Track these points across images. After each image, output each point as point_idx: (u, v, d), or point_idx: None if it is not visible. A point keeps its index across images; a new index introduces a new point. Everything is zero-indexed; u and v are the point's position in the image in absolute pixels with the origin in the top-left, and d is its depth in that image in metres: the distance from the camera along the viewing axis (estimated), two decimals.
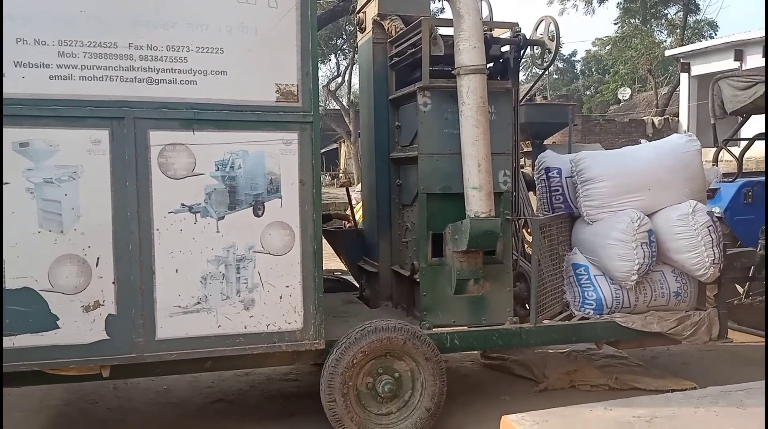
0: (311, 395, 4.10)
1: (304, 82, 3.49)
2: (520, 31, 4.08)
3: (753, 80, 5.50)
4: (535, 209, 4.97)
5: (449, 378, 3.93)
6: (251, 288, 3.52)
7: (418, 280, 4.11)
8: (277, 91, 3.48)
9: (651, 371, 4.91)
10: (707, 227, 4.16)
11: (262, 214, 3.50)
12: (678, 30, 25.80)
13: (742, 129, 6.10)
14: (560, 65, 41.41)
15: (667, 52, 22.87)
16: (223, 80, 3.41)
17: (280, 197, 3.52)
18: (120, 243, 3.33)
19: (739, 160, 5.97)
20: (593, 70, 39.70)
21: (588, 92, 37.15)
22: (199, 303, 3.47)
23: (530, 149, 7.03)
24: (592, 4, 26.09)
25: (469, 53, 3.65)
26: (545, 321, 4.26)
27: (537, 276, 4.14)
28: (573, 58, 42.45)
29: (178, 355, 3.48)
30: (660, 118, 20.78)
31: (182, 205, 3.41)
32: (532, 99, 19.25)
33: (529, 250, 4.61)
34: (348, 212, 5.63)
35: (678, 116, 20.33)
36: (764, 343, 5.07)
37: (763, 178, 6.01)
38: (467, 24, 3.63)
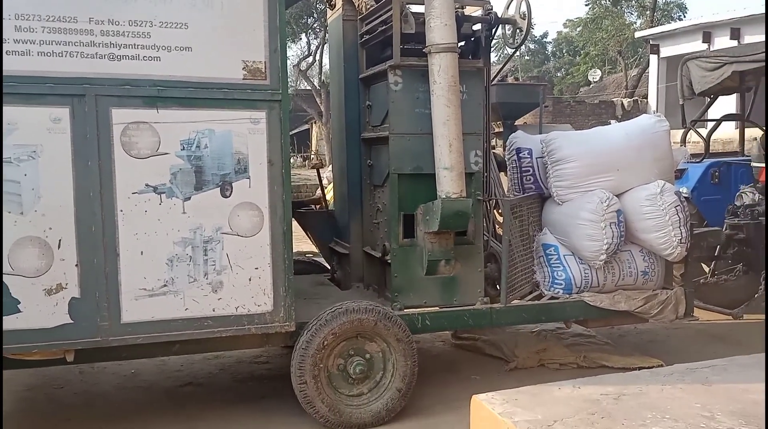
0: (282, 377, 4.07)
1: (272, 59, 3.41)
2: (491, 10, 4.04)
3: (721, 61, 5.55)
4: (506, 190, 4.98)
5: (421, 358, 3.93)
6: (219, 270, 3.46)
7: (389, 261, 4.09)
8: (244, 68, 3.39)
9: (618, 349, 4.99)
10: (675, 207, 4.20)
11: (230, 194, 3.43)
12: (648, 12, 26.00)
13: (709, 110, 6.16)
14: (531, 46, 41.50)
15: (637, 34, 23.06)
16: (188, 56, 3.31)
17: (249, 178, 3.45)
18: (82, 224, 3.24)
19: (707, 140, 6.05)
20: (564, 51, 39.91)
21: (559, 74, 37.34)
22: (165, 286, 3.40)
23: (501, 130, 7.03)
24: None
25: (440, 31, 3.60)
26: (515, 301, 4.28)
27: (508, 256, 4.14)
28: (544, 40, 42.62)
29: (144, 338, 3.41)
30: (629, 99, 21.00)
31: (147, 185, 3.33)
32: (504, 80, 19.31)
33: (500, 231, 4.62)
34: (319, 194, 5.57)
35: (647, 98, 20.56)
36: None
37: (730, 158, 6.10)
38: (438, 1, 3.58)
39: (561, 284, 4.35)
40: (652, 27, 22.57)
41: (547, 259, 4.43)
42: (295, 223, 4.86)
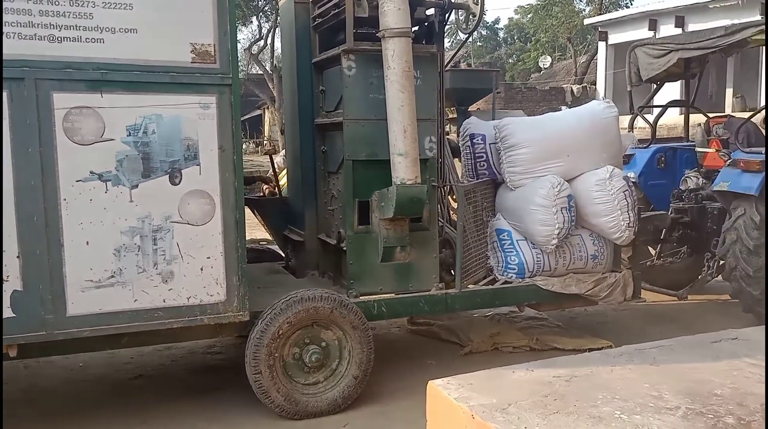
0: (236, 367, 4.00)
1: (222, 42, 3.31)
2: None
3: (667, 48, 5.68)
4: (460, 176, 5.00)
5: (377, 345, 3.93)
6: (169, 260, 3.37)
7: (344, 248, 4.06)
8: (192, 51, 3.28)
9: (569, 331, 5.11)
10: (623, 192, 4.30)
11: (180, 182, 3.33)
12: None
13: (656, 96, 6.31)
14: (484, 33, 41.75)
15: (586, 21, 23.47)
16: (133, 39, 3.19)
17: (199, 164, 3.36)
18: (24, 214, 3.10)
19: (653, 126, 6.20)
20: (516, 38, 40.31)
21: (511, 60, 37.73)
22: (113, 277, 3.29)
23: (455, 116, 7.05)
24: None
25: (393, 15, 3.57)
26: (470, 286, 4.32)
27: (462, 242, 4.17)
28: (496, 26, 42.92)
29: (91, 331, 3.30)
30: (579, 86, 21.39)
31: (91, 173, 3.20)
32: (457, 65, 19.41)
33: (454, 217, 4.65)
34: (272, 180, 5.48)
35: (596, 84, 20.99)
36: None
37: (675, 143, 6.27)
38: None
39: (514, 269, 4.41)
40: (600, 14, 22.99)
41: (501, 244, 4.48)
42: (248, 211, 4.79)
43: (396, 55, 3.60)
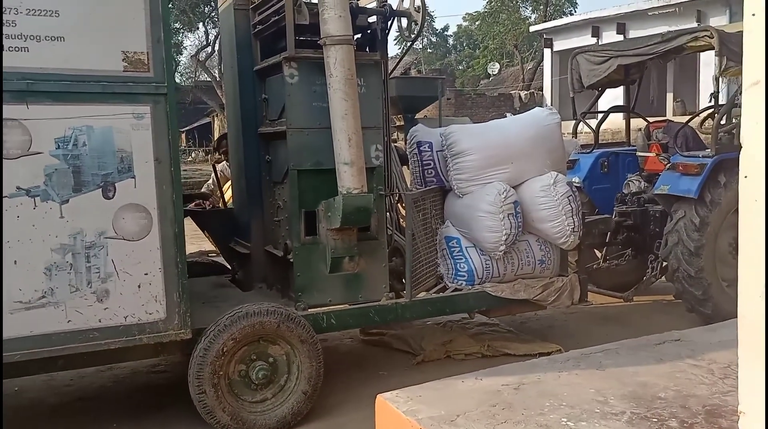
0: (182, 386, 3.85)
1: (156, 49, 3.19)
2: (386, 2, 3.99)
3: (607, 55, 5.80)
4: (408, 184, 4.97)
5: (328, 356, 3.86)
6: (104, 277, 3.22)
7: (291, 260, 3.97)
8: (124, 59, 3.15)
9: (520, 336, 5.13)
10: (567, 197, 4.34)
11: (113, 195, 3.19)
12: (542, 6, 27.04)
13: (598, 102, 6.44)
14: (433, 39, 42.21)
15: (532, 28, 23.96)
16: (60, 47, 3.04)
17: (134, 177, 3.23)
18: None
19: (596, 132, 6.32)
20: (465, 44, 40.86)
21: (460, 67, 38.21)
22: (44, 297, 3.12)
23: (402, 123, 7.03)
24: None
25: (334, 23, 3.51)
26: (421, 294, 4.29)
27: (411, 250, 4.14)
28: (445, 33, 43.43)
29: (22, 355, 3.12)
30: (526, 92, 21.79)
31: (18, 188, 3.04)
32: (408, 72, 19.53)
33: (404, 225, 4.61)
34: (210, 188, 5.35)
35: (543, 90, 21.41)
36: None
37: (617, 148, 6.41)
38: None
39: (464, 276, 4.40)
40: (545, 21, 23.50)
41: (450, 251, 4.47)
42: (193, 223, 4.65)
43: (338, 62, 3.54)
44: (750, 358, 1.85)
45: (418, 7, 4.03)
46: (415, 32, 4.08)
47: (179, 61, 29.27)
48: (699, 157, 5.14)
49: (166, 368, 4.73)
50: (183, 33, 24.62)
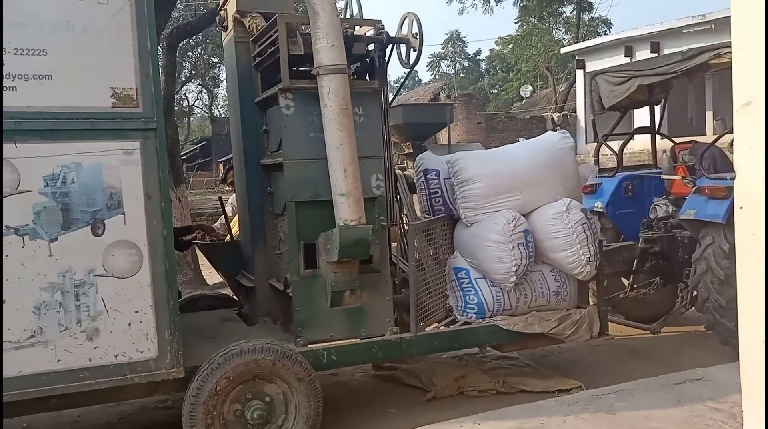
0: None
1: (144, 85, 3.17)
2: (383, 29, 3.91)
3: (627, 75, 5.59)
4: (418, 212, 4.84)
5: (337, 392, 3.71)
6: (94, 316, 3.16)
7: (290, 294, 3.86)
8: (113, 95, 3.13)
9: (539, 371, 4.88)
10: (582, 225, 4.13)
11: (103, 232, 3.15)
12: (574, 28, 26.80)
13: (620, 124, 6.21)
14: (465, 64, 42.23)
15: (563, 50, 23.72)
16: (48, 85, 3.04)
17: (123, 213, 3.18)
18: None
19: (619, 154, 6.08)
20: (497, 68, 40.73)
21: (494, 90, 38.06)
22: (33, 336, 3.08)
23: (411, 151, 6.91)
24: (489, 3, 26.69)
25: (327, 52, 3.44)
26: (427, 329, 4.11)
27: (415, 283, 3.99)
28: (478, 57, 43.39)
29: (12, 396, 3.08)
30: (559, 114, 21.48)
31: (7, 227, 3.02)
32: (437, 98, 19.46)
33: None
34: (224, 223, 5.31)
35: (576, 112, 21.08)
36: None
37: (642, 171, 6.15)
38: (323, 21, 3.42)
39: (474, 308, 4.22)
40: (578, 43, 23.24)
41: (459, 282, 4.30)
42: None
43: (332, 92, 3.46)
44: (753, 407, 1.65)
45: (416, 33, 3.94)
46: (413, 59, 3.98)
47: (216, 94, 29.90)
48: (727, 179, 4.86)
49: (173, 404, 4.64)
50: (219, 67, 25.11)
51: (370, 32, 3.95)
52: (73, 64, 3.07)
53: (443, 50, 42.37)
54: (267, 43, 3.85)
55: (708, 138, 9.12)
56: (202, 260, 6.36)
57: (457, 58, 42.63)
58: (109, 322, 3.18)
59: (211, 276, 7.50)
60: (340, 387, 4.81)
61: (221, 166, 5.63)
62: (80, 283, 3.13)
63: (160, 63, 8.15)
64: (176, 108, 20.29)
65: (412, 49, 3.97)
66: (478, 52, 43.20)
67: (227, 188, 6.13)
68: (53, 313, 3.10)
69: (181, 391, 3.55)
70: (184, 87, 25.96)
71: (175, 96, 17.35)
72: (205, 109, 31.37)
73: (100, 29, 3.09)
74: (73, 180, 3.09)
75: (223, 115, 29.03)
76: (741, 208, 1.76)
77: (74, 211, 3.10)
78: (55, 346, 3.12)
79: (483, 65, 42.77)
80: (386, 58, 3.98)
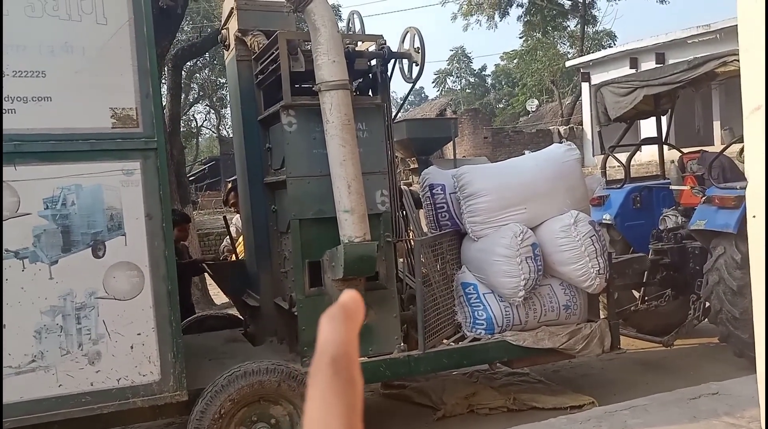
0: None
1: (144, 104, 3.14)
2: (384, 44, 3.88)
3: (632, 86, 5.54)
4: (425, 227, 4.78)
5: None
6: (95, 339, 3.11)
7: (295, 313, 3.80)
8: (112, 116, 3.11)
9: (551, 387, 4.78)
10: (590, 237, 4.06)
11: (103, 254, 3.12)
12: (578, 42, 26.79)
13: (627, 135, 6.15)
14: (471, 80, 42.28)
15: (568, 63, 23.68)
16: (48, 107, 3.02)
17: (124, 234, 3.15)
18: None
19: (626, 166, 6.00)
20: (503, 83, 40.75)
21: (500, 105, 38.04)
22: (34, 361, 3.04)
23: (417, 166, 6.85)
24: (494, 18, 26.74)
25: (328, 68, 3.41)
26: (435, 346, 4.04)
27: (423, 299, 3.92)
28: (483, 73, 43.43)
29: (13, 422, 3.02)
30: (565, 127, 21.38)
31: (7, 250, 2.98)
32: (443, 113, 19.44)
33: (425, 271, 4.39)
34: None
35: (582, 124, 21.00)
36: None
37: (649, 182, 6.07)
38: (324, 37, 3.39)
39: (482, 324, 4.14)
40: (582, 56, 23.21)
41: (467, 298, 4.23)
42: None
43: (334, 108, 3.43)
44: None
45: (418, 48, 3.91)
46: (416, 73, 3.95)
47: (224, 114, 30.03)
48: (737, 188, 4.78)
49: (179, 427, 4.57)
50: (226, 87, 25.31)
51: (372, 48, 3.93)
52: (72, 85, 3.06)
53: (449, 66, 42.47)
54: (268, 60, 3.83)
55: (716, 148, 9.03)
56: (210, 280, 6.32)
57: (462, 74, 42.68)
58: (110, 345, 3.14)
59: (219, 296, 7.45)
60: None
61: (229, 184, 5.59)
62: (81, 306, 3.09)
63: (164, 83, 8.23)
64: (184, 129, 20.42)
65: (414, 64, 3.94)
66: (484, 68, 43.26)
67: (230, 209, 6.10)
68: (54, 336, 3.06)
69: (185, 414, 3.49)
70: (193, 108, 26.13)
71: (183, 117, 17.47)
72: (213, 130, 31.54)
73: (99, 50, 3.07)
74: (73, 202, 3.06)
75: (230, 135, 29.17)
76: (754, 216, 1.69)
77: (74, 233, 3.07)
78: (57, 371, 3.07)
79: (489, 80, 42.81)
80: (389, 73, 3.95)
